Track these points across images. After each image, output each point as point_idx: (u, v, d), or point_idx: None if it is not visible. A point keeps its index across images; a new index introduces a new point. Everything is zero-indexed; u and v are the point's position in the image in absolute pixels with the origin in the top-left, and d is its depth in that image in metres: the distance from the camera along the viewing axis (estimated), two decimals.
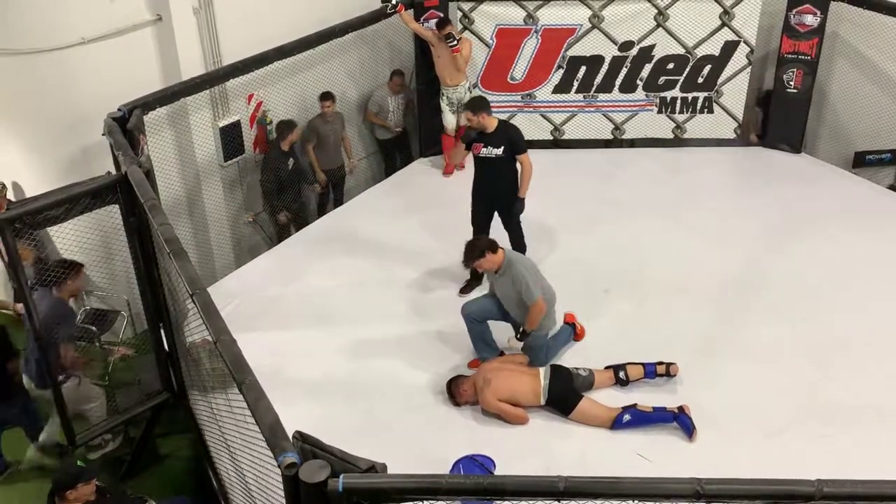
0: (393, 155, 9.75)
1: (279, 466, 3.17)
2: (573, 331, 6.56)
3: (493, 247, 5.97)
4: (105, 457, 6.60)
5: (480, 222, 7.26)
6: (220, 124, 7.94)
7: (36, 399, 6.34)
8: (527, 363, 6.13)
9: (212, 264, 8.15)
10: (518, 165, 6.92)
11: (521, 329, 6.09)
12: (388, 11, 8.68)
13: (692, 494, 2.96)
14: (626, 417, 5.71)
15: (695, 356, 6.34)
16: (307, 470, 3.09)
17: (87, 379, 6.28)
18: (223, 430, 5.08)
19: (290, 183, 8.38)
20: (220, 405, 5.02)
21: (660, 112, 9.57)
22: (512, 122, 9.48)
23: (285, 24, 8.08)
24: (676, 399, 5.92)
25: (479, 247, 5.96)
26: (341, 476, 3.05)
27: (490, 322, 6.32)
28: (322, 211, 8.95)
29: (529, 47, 9.27)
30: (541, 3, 9.08)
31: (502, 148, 6.86)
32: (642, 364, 6.12)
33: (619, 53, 9.28)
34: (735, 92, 9.42)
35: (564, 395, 5.85)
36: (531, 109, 9.51)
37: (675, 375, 6.11)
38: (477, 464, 5.27)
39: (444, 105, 8.99)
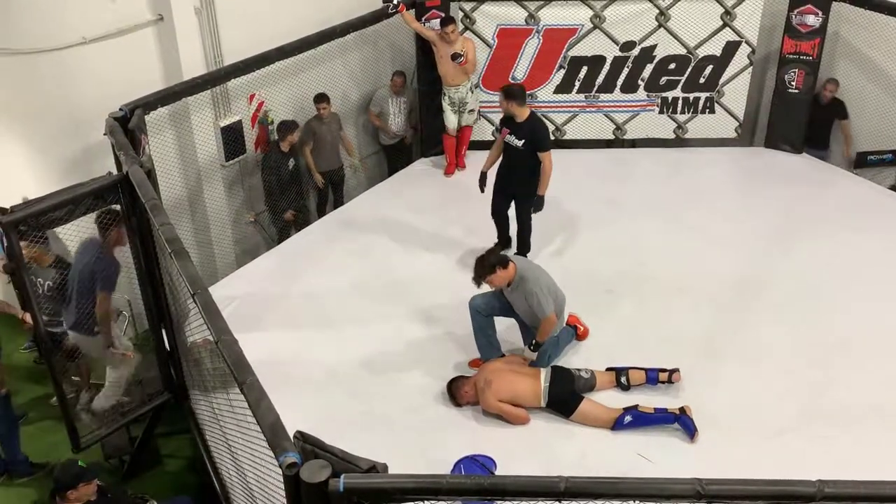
0: (395, 161, 9.69)
1: (280, 466, 3.17)
2: (575, 333, 6.55)
3: (504, 262, 5.90)
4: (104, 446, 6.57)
5: (496, 206, 7.45)
6: (222, 124, 7.95)
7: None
8: (528, 364, 6.12)
9: (213, 264, 8.16)
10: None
11: (533, 340, 6.08)
12: (390, 11, 8.69)
13: (693, 495, 2.96)
14: (628, 418, 5.71)
15: (696, 356, 6.34)
16: (308, 470, 3.09)
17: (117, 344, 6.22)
18: (224, 429, 5.09)
19: (292, 183, 8.37)
20: (222, 405, 5.02)
21: (661, 112, 9.57)
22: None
23: (286, 24, 8.09)
24: (677, 400, 5.92)
25: (489, 262, 5.88)
26: (342, 476, 3.05)
27: (494, 324, 6.30)
28: (322, 212, 8.95)
29: (531, 47, 9.27)
30: (542, 3, 9.08)
31: (523, 141, 7.00)
32: (644, 370, 6.11)
33: (620, 54, 9.28)
34: (736, 92, 9.43)
35: (565, 396, 5.84)
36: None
37: (676, 382, 6.10)
38: (478, 464, 5.27)
39: (445, 105, 8.99)
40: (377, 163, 9.89)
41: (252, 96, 8.19)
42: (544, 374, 5.91)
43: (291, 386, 6.06)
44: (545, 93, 9.41)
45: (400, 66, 9.56)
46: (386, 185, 9.26)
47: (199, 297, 4.22)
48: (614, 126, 9.69)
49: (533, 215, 7.37)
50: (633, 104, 9.54)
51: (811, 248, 7.71)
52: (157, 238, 5.22)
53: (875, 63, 8.87)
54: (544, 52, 9.24)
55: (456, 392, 6.01)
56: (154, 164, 6.51)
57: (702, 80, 9.37)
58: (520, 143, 7.01)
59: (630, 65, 9.33)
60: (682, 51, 9.23)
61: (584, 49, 9.27)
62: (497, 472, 5.15)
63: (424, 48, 9.00)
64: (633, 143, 9.93)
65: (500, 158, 7.35)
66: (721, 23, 9.10)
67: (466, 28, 9.11)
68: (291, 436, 3.31)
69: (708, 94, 9.44)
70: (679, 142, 9.73)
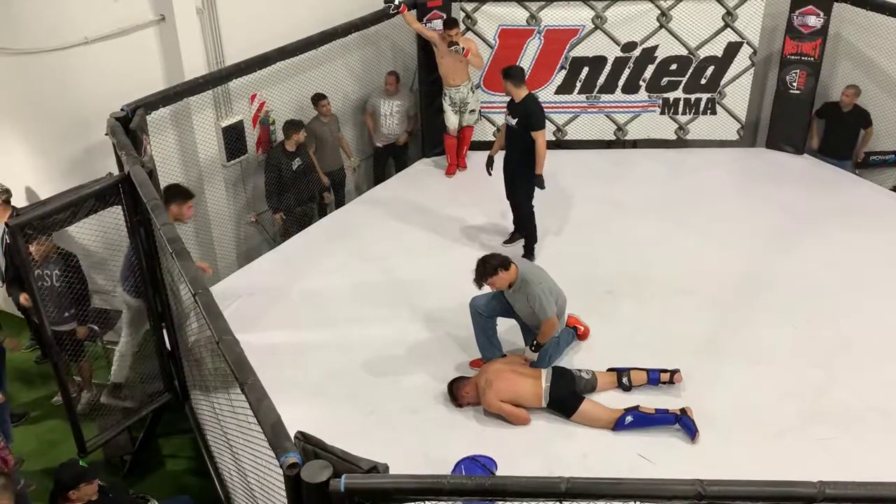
0: (384, 163, 9.62)
1: (281, 466, 3.17)
2: (575, 333, 6.55)
3: (506, 264, 5.89)
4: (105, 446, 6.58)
5: (506, 190, 7.64)
6: (223, 124, 7.95)
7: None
8: (529, 365, 6.12)
9: (214, 264, 8.14)
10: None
11: (534, 342, 6.08)
12: (391, 12, 8.69)
13: (694, 496, 2.96)
14: (629, 419, 5.71)
15: (697, 357, 6.34)
16: (309, 470, 3.09)
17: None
18: (225, 430, 5.09)
19: (296, 182, 8.34)
20: (223, 405, 5.02)
21: (663, 113, 9.57)
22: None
23: (288, 25, 8.09)
24: (679, 400, 5.92)
25: (491, 264, 5.86)
26: (343, 476, 3.05)
27: (495, 325, 6.30)
28: (323, 212, 8.95)
29: (532, 48, 9.27)
30: (544, 3, 9.08)
31: (517, 120, 7.13)
32: (646, 370, 6.11)
33: (621, 54, 9.28)
34: (738, 93, 9.43)
35: (566, 397, 5.84)
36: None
37: (677, 383, 6.09)
38: (479, 464, 5.27)
39: (446, 105, 8.99)
40: (377, 164, 9.90)
41: (253, 96, 8.19)
42: (545, 375, 5.91)
43: (292, 386, 6.07)
44: (546, 93, 9.39)
45: (402, 66, 9.56)
46: (387, 186, 9.26)
47: (200, 298, 4.22)
48: (615, 127, 9.68)
49: (534, 204, 7.52)
50: (635, 105, 9.54)
51: (812, 248, 7.71)
52: (159, 238, 5.22)
53: (876, 64, 8.86)
54: (546, 53, 9.24)
55: (456, 392, 6.00)
56: (155, 164, 6.51)
57: (703, 81, 9.37)
58: (514, 121, 7.17)
59: (631, 65, 9.33)
60: (684, 52, 9.23)
61: (585, 50, 9.27)
62: (498, 473, 5.15)
63: (425, 48, 9.00)
64: (635, 144, 9.93)
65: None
66: (722, 24, 9.10)
67: (468, 28, 9.11)
68: (292, 436, 3.31)
69: (709, 96, 9.44)
70: (680, 143, 9.73)
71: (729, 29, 9.11)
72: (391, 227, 8.32)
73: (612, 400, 5.94)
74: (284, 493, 3.24)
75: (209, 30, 7.64)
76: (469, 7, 9.10)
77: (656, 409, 5.76)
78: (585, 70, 9.37)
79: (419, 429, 5.85)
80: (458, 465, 5.26)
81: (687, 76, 9.35)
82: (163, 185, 6.69)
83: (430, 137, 9.56)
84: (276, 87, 8.30)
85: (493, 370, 5.99)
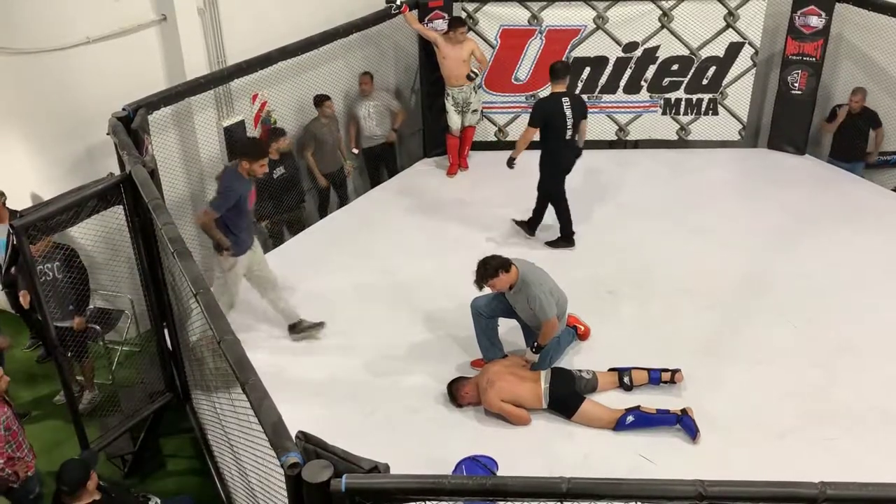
0: (375, 165, 9.47)
1: (282, 466, 3.17)
2: (576, 333, 6.55)
3: (506, 266, 5.89)
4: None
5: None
6: (225, 124, 7.95)
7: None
8: (530, 367, 6.10)
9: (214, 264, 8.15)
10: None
11: (535, 343, 6.08)
12: (393, 12, 8.69)
13: (695, 496, 2.96)
14: (630, 419, 5.71)
15: (698, 358, 6.34)
16: (310, 470, 3.10)
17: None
18: (226, 429, 5.09)
19: (276, 192, 8.12)
20: (224, 405, 5.02)
21: (664, 113, 9.57)
22: (513, 124, 9.53)
23: (290, 25, 8.09)
24: (680, 401, 5.92)
25: (492, 266, 5.86)
26: (344, 476, 3.05)
27: (496, 325, 6.30)
28: (324, 212, 8.95)
29: (534, 48, 9.27)
30: (545, 3, 9.08)
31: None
32: (647, 370, 6.11)
33: (623, 54, 9.28)
34: (740, 94, 9.42)
35: (566, 398, 5.84)
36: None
37: (678, 383, 6.09)
38: (479, 464, 5.26)
39: (448, 105, 8.99)
40: (377, 164, 9.89)
41: (255, 96, 8.19)
42: (544, 375, 5.91)
43: (293, 386, 6.07)
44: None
45: (403, 66, 9.55)
46: (388, 186, 9.26)
47: (201, 297, 4.22)
48: (617, 127, 9.68)
49: (555, 201, 7.77)
50: (636, 105, 9.53)
51: (814, 249, 7.71)
52: (160, 238, 5.22)
53: (878, 65, 8.86)
54: (547, 53, 9.22)
55: (456, 393, 6.01)
56: (157, 163, 6.51)
57: (705, 82, 9.37)
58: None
59: (633, 66, 9.32)
60: (685, 52, 9.23)
61: (586, 50, 9.27)
62: (499, 473, 5.15)
63: (427, 49, 9.00)
64: (636, 145, 9.92)
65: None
66: (724, 24, 9.09)
67: (469, 28, 9.11)
68: (293, 436, 3.31)
69: (711, 96, 9.44)
70: (682, 143, 9.73)
71: (730, 29, 9.11)
72: (392, 227, 8.32)
73: (613, 400, 5.94)
74: (285, 493, 3.24)
75: (211, 29, 7.64)
76: (470, 7, 9.10)
77: (657, 410, 5.76)
78: (587, 70, 9.36)
79: (420, 429, 5.85)
80: (459, 465, 5.26)
81: (688, 76, 9.35)
82: (165, 184, 6.71)
83: (431, 137, 9.56)
84: (277, 87, 8.29)
85: (493, 370, 5.99)
